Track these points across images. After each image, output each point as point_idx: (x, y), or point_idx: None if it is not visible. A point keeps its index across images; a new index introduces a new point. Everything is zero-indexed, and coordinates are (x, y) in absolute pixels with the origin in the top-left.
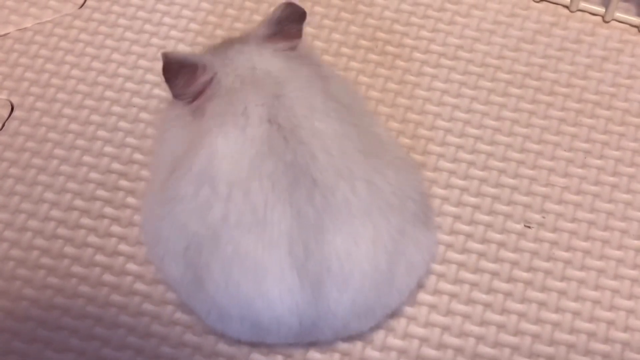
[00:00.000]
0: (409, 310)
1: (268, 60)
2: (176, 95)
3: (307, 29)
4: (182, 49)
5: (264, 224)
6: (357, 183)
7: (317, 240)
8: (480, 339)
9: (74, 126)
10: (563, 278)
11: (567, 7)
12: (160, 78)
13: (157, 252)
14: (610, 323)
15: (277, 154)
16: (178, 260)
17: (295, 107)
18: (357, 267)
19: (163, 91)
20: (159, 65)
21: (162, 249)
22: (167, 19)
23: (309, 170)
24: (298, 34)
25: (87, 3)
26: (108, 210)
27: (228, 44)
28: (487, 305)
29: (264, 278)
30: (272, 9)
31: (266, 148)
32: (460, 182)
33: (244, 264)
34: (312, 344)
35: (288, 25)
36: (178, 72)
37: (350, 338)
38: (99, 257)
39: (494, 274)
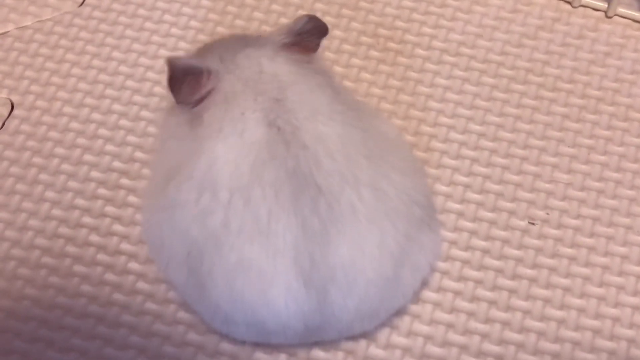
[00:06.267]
0: (413, 308)
1: (278, 65)
2: (179, 102)
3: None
4: (183, 46)
5: (268, 234)
6: (362, 189)
7: (322, 250)
8: (484, 336)
9: (74, 125)
10: (568, 275)
11: (569, 2)
12: (160, 76)
13: (162, 258)
14: (616, 320)
15: (279, 159)
16: (181, 266)
17: (297, 109)
18: (361, 275)
19: (164, 89)
20: (159, 63)
21: (166, 255)
22: (167, 17)
23: (313, 177)
24: (315, 48)
25: (87, 1)
26: (109, 209)
27: (240, 43)
28: (492, 303)
29: (269, 288)
30: (273, 5)
31: (266, 153)
32: (464, 179)
33: (248, 273)
34: (316, 343)
35: (307, 37)
36: (183, 80)
37: (354, 336)
38: (101, 256)
39: (498, 271)
